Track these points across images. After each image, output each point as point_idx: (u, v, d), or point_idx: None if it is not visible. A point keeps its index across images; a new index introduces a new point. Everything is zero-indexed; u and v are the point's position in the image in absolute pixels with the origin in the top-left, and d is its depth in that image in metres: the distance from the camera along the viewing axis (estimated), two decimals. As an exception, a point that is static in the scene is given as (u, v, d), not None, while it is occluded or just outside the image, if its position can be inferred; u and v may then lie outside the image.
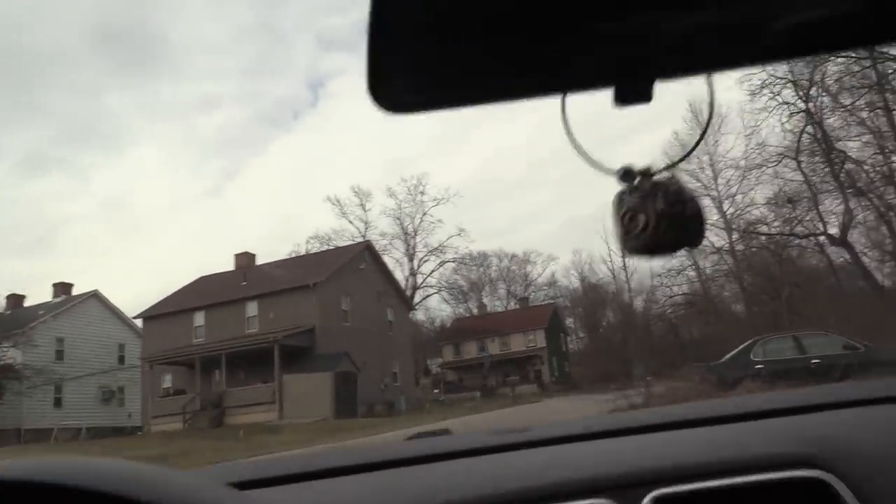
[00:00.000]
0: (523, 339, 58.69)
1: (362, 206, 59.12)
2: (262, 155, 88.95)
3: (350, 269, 33.64)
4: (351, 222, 59.14)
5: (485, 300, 71.70)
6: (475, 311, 70.05)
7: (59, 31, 79.72)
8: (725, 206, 46.35)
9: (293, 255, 42.13)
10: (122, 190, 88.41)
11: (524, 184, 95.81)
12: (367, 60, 0.58)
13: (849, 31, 0.58)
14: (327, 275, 32.13)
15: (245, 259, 38.15)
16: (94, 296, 41.74)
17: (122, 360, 40.81)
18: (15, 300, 41.65)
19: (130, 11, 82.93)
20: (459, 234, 60.25)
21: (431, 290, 58.67)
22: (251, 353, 29.81)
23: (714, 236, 47.50)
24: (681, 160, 0.72)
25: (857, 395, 1.36)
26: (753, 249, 45.18)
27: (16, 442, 31.43)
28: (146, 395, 33.32)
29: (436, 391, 54.31)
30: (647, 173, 0.66)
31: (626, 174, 0.66)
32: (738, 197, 43.93)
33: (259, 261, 38.78)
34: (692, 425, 1.30)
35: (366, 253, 36.48)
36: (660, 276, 55.81)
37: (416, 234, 58.99)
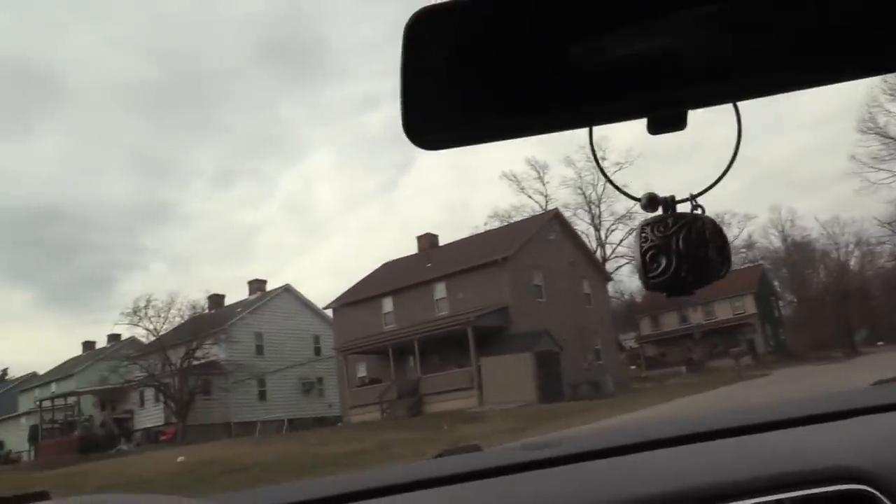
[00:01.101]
0: (730, 307, 53.64)
1: (540, 178, 56.33)
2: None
3: (539, 241, 30.94)
4: (530, 196, 56.36)
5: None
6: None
7: (230, 52, 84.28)
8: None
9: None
10: (303, 192, 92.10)
11: (699, 144, 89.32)
12: (402, 97, 0.61)
13: (871, 57, 0.60)
14: (516, 248, 29.67)
15: (427, 241, 36.63)
16: (287, 290, 42.26)
17: (318, 351, 40.98)
18: (216, 300, 43.17)
19: (291, 22, 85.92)
20: (648, 199, 55.43)
21: (623, 261, 54.56)
22: (443, 337, 28.06)
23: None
24: (707, 190, 0.72)
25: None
26: None
27: (226, 436, 31.87)
28: (342, 385, 32.69)
29: (632, 367, 50.74)
30: (671, 203, 0.68)
31: (651, 202, 0.68)
32: None
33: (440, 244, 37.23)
34: (727, 434, 1.26)
35: (554, 222, 33.54)
36: (890, 224, 48.72)
37: (600, 203, 55.20)
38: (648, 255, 0.67)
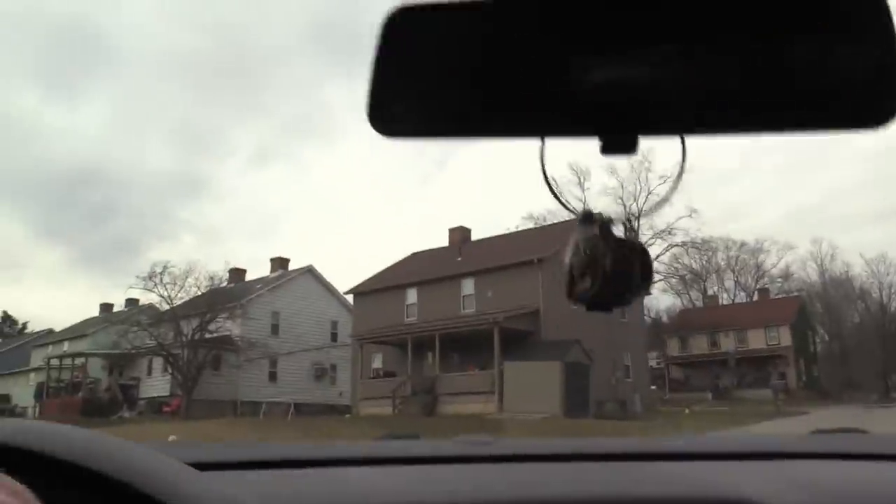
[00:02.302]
0: (763, 336, 51.71)
1: (580, 184, 54.51)
2: (472, 144, 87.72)
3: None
4: (566, 204, 54.50)
5: (709, 291, 64.67)
6: (697, 302, 63.42)
7: (281, 30, 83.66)
8: None
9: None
10: (337, 178, 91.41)
11: (740, 171, 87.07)
12: (370, 85, 0.66)
13: (830, 113, 0.63)
14: (554, 250, 28.03)
15: (460, 234, 35.00)
16: (309, 271, 41.01)
17: (334, 337, 39.65)
18: (237, 274, 42.13)
19: (343, 3, 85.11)
20: (690, 216, 53.45)
21: (658, 277, 52.63)
22: (467, 336, 26.50)
23: None
24: (642, 216, 0.79)
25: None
26: None
27: (231, 414, 30.80)
28: (356, 374, 31.31)
29: (653, 387, 48.97)
30: (607, 223, 0.71)
31: (587, 218, 0.71)
32: None
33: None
34: (638, 458, 1.33)
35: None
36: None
37: (640, 216, 53.29)
38: (576, 270, 0.71)
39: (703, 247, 58.59)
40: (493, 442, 1.42)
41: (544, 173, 0.73)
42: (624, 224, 0.73)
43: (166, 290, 34.61)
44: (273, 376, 36.98)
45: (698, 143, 0.66)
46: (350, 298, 36.34)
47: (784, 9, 0.60)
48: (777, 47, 0.61)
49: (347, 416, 28.99)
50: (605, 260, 0.69)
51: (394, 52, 0.65)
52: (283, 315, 38.25)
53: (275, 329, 37.75)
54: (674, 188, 0.75)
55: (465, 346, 26.76)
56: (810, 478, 1.21)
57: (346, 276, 68.18)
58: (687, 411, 25.41)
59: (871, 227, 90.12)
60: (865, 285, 63.52)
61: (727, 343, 51.70)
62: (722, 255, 64.05)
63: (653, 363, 55.51)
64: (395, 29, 0.64)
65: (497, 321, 25.25)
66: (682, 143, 0.67)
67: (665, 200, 0.79)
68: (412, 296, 31.43)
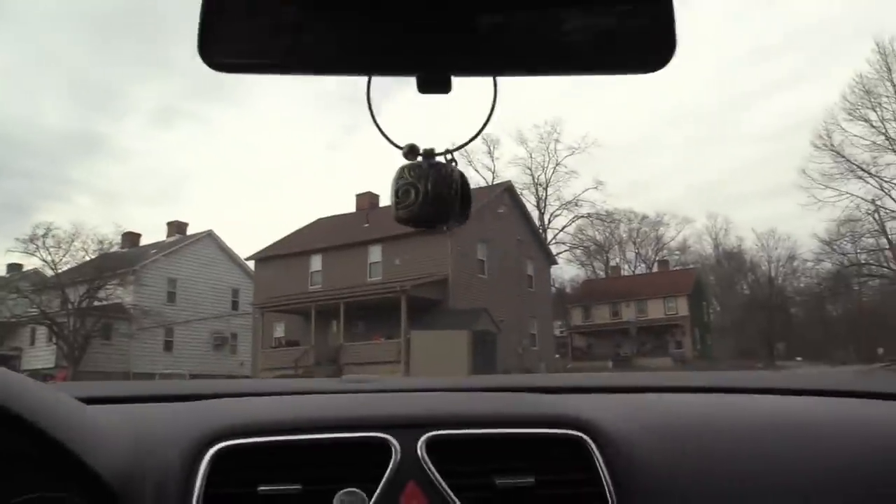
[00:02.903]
0: (662, 307, 53.21)
1: (490, 153, 54.34)
2: (383, 110, 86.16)
3: (488, 213, 28.72)
4: (477, 171, 54.38)
5: (611, 262, 66.31)
6: (600, 273, 64.84)
7: (184, -26, 78.92)
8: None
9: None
10: (244, 141, 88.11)
11: (643, 146, 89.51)
12: (201, 18, 0.68)
13: (615, 56, 0.70)
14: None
15: (368, 200, 33.95)
16: (209, 235, 39.21)
17: (235, 305, 38.19)
18: (131, 239, 39.89)
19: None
20: (596, 188, 54.28)
21: (562, 248, 53.28)
22: (374, 304, 25.79)
23: None
24: (462, 146, 0.86)
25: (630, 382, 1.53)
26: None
27: (123, 386, 28.93)
28: (257, 344, 30.11)
29: (556, 356, 49.86)
30: (428, 153, 0.77)
31: (411, 151, 0.77)
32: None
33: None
34: (483, 390, 1.44)
35: (506, 195, 31.41)
36: (830, 242, 48.90)
37: (547, 186, 53.68)
38: (401, 191, 0.76)
39: (606, 219, 59.75)
40: (374, 380, 1.54)
41: (370, 109, 0.79)
42: (444, 156, 0.78)
43: (49, 253, 32.34)
44: (169, 346, 35.28)
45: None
46: (252, 265, 34.89)
47: None
48: None
49: (247, 386, 27.81)
50: (426, 180, 0.75)
51: None
52: (180, 282, 36.45)
53: (171, 296, 35.97)
54: (485, 124, 0.79)
55: (372, 314, 26.07)
56: (648, 407, 1.30)
57: (249, 242, 66.07)
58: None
59: (762, 203, 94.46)
60: (756, 259, 66.39)
61: (628, 313, 53.03)
62: (624, 227, 65.54)
63: (556, 332, 56.46)
64: None
65: (405, 289, 24.65)
66: (494, 83, 0.74)
67: (476, 136, 0.82)
68: (316, 263, 30.38)
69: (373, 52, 0.69)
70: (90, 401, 1.05)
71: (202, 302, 36.65)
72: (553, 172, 53.44)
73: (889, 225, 44.63)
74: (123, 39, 78.88)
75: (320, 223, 35.56)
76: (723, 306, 65.21)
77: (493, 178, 51.57)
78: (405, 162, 0.78)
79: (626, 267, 66.90)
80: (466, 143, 0.83)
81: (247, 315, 34.56)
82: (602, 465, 1.05)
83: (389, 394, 1.36)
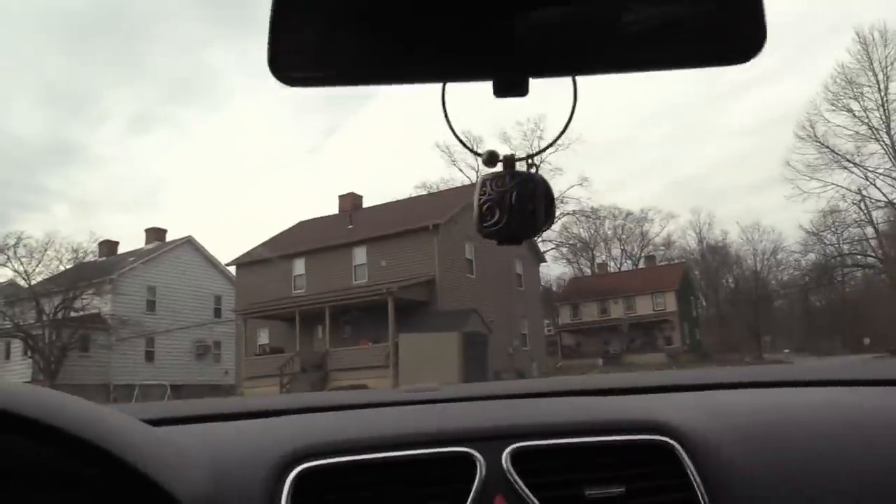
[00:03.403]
0: (651, 302, 53.01)
1: (473, 151, 53.66)
2: (362, 112, 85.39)
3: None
4: (461, 170, 53.78)
5: (597, 259, 66.11)
6: (586, 270, 64.56)
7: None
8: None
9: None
10: (222, 146, 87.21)
11: (624, 142, 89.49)
12: (270, 33, 0.66)
13: (703, 49, 0.67)
14: (450, 215, 26.84)
15: (351, 201, 33.18)
16: (188, 242, 38.23)
17: (218, 312, 37.20)
18: (109, 247, 38.86)
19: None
20: (581, 185, 53.85)
21: (550, 245, 52.75)
22: (359, 308, 25.02)
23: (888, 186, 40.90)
24: (541, 152, 0.86)
25: (704, 379, 1.48)
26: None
27: (103, 399, 28.03)
28: (240, 352, 29.23)
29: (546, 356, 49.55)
30: (510, 161, 0.76)
31: (491, 158, 0.76)
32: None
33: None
34: (560, 395, 1.42)
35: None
36: (816, 233, 48.83)
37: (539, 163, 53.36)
38: (485, 207, 0.75)
39: (592, 216, 59.45)
40: (439, 388, 1.48)
41: (446, 116, 0.77)
42: (526, 161, 0.76)
43: (22, 264, 31.30)
44: (150, 356, 34.28)
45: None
46: (233, 270, 34.00)
47: None
48: None
49: (233, 395, 27.04)
50: (511, 194, 0.74)
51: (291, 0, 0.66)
52: (159, 290, 35.45)
53: (151, 305, 34.98)
54: (566, 127, 0.78)
55: (358, 318, 25.33)
56: (726, 405, 1.28)
57: (230, 248, 64.99)
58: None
59: (746, 197, 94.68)
60: (740, 252, 66.56)
61: (617, 310, 52.78)
62: (609, 224, 65.38)
63: (547, 331, 56.09)
64: None
65: (391, 291, 23.90)
66: (574, 82, 0.72)
67: (560, 136, 0.80)
68: (300, 266, 29.56)
69: (446, 59, 0.67)
70: (157, 422, 1.03)
71: (183, 310, 35.65)
72: (538, 170, 52.82)
73: (875, 214, 44.55)
74: (97, 44, 77.73)
75: (303, 226, 34.75)
76: (709, 300, 65.27)
77: (478, 176, 50.97)
78: (487, 171, 0.75)
79: (613, 264, 66.87)
80: (546, 148, 0.81)
81: (229, 322, 33.64)
82: (693, 470, 1.03)
83: (463, 403, 1.33)
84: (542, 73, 0.68)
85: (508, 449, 1.00)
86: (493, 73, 0.68)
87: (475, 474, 0.97)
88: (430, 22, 0.65)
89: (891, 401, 1.31)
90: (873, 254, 47.83)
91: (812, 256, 52.41)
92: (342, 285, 26.94)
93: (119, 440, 0.73)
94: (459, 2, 0.64)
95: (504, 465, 0.98)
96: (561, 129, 0.78)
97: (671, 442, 1.05)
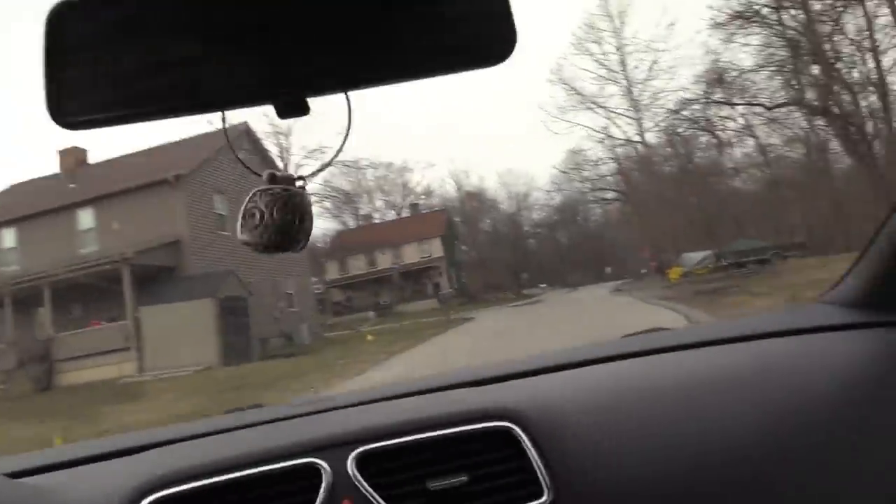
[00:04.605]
0: (418, 250, 52.92)
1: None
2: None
3: (224, 159, 24.45)
4: (210, 122, 48.88)
5: (361, 211, 65.00)
6: (351, 224, 63.16)
7: None
8: (636, 92, 42.56)
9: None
10: None
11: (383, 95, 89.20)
12: (45, 81, 0.68)
13: (460, 55, 0.71)
14: (194, 165, 23.25)
15: (74, 157, 27.93)
16: None
17: None
18: None
19: None
20: (338, 134, 51.40)
21: (313, 199, 50.00)
22: (89, 282, 20.80)
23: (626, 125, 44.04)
24: (315, 174, 0.93)
25: (548, 362, 1.47)
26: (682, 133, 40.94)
27: None
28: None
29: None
30: (288, 180, 0.79)
31: (272, 178, 0.79)
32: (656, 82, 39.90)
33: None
34: (408, 395, 1.42)
35: (244, 138, 27.08)
36: (566, 171, 51.44)
37: (290, 134, 49.90)
38: (247, 214, 0.78)
39: (353, 166, 57.86)
40: (302, 403, 1.50)
41: (229, 145, 0.86)
42: (298, 179, 0.80)
43: None
44: None
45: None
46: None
47: None
48: (406, 4, 0.69)
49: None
50: (273, 208, 0.77)
51: (63, 45, 0.67)
52: None
53: None
54: (343, 143, 0.82)
55: (89, 294, 21.22)
56: (566, 385, 1.30)
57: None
58: (370, 338, 23.15)
59: (502, 143, 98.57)
60: (497, 196, 69.27)
61: (385, 260, 52.05)
62: (371, 175, 64.35)
63: (316, 289, 53.89)
64: (62, 23, 0.67)
65: (126, 258, 20.03)
66: (347, 99, 0.75)
67: (338, 153, 0.87)
68: (9, 238, 24.33)
69: (226, 87, 0.69)
70: (15, 475, 1.08)
71: None
72: (295, 121, 49.66)
73: (617, 151, 47.59)
74: None
75: (13, 190, 29.00)
76: (470, 245, 67.11)
77: (227, 125, 46.65)
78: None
79: (377, 215, 65.99)
80: (323, 168, 0.85)
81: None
82: (532, 451, 1.05)
83: (315, 416, 1.34)
84: (319, 91, 0.70)
85: (353, 454, 1.02)
86: (274, 96, 0.70)
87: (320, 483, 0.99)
88: (207, 53, 0.67)
89: (714, 361, 1.32)
90: (616, 188, 51.23)
91: (558, 196, 55.37)
92: (66, 256, 22.40)
93: None
94: (231, 31, 0.67)
95: (349, 470, 1.00)
96: (336, 150, 0.85)
97: (512, 426, 1.06)
